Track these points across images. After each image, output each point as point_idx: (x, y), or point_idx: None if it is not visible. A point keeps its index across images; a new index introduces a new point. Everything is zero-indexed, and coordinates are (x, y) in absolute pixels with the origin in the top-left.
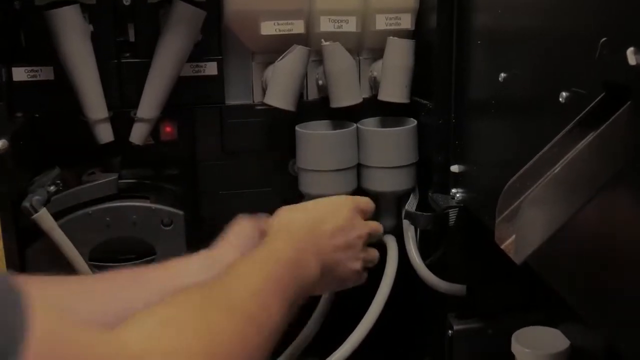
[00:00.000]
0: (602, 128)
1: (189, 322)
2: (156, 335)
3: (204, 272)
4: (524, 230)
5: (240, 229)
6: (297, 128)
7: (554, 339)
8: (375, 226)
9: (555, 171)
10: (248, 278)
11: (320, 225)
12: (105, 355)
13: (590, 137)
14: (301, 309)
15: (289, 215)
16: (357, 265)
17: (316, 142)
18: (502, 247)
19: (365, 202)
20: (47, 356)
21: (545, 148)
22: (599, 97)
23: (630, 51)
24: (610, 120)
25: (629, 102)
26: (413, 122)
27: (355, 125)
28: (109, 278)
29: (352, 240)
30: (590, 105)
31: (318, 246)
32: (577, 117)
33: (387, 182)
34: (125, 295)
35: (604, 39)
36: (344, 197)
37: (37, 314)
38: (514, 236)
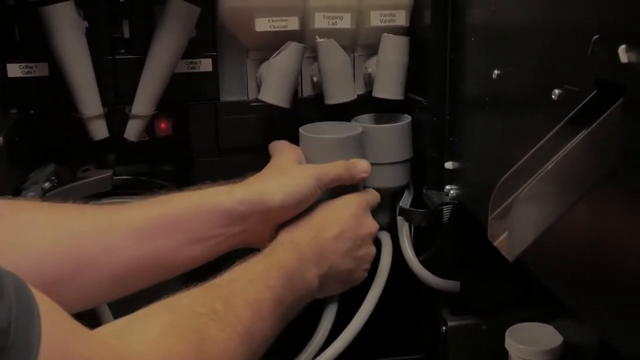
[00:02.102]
0: (594, 125)
1: (188, 333)
2: (157, 343)
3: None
4: (517, 227)
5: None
6: (301, 131)
7: (547, 335)
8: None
9: (548, 168)
10: (248, 289)
11: (322, 231)
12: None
13: (582, 135)
14: (306, 317)
15: (292, 222)
16: (365, 264)
17: (325, 146)
18: (495, 244)
19: (373, 196)
20: None
21: (538, 145)
22: (591, 95)
23: (621, 49)
24: (602, 117)
25: (621, 100)
26: (407, 119)
27: (361, 128)
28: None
29: (361, 240)
30: (582, 103)
31: (320, 255)
32: (569, 115)
33: (381, 178)
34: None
35: (596, 37)
36: (346, 197)
37: (45, 323)
38: (506, 233)
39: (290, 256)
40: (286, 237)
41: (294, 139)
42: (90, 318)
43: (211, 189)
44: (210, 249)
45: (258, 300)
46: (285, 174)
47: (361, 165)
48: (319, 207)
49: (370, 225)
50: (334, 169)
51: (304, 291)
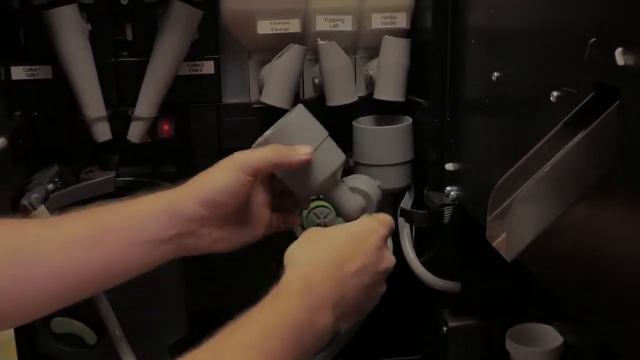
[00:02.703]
0: (591, 127)
1: None
2: None
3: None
4: (515, 228)
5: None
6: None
7: (547, 335)
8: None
9: (546, 170)
10: None
11: (343, 265)
12: None
13: (579, 137)
14: None
15: (312, 250)
16: (375, 301)
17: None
18: (494, 244)
19: (391, 224)
20: None
21: (536, 147)
22: (589, 97)
23: (618, 52)
24: (599, 119)
25: (617, 102)
26: (408, 120)
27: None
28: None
29: (378, 276)
30: (580, 105)
31: (339, 295)
32: (567, 117)
33: (382, 179)
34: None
35: (593, 40)
36: (373, 222)
37: None
38: (504, 234)
39: (298, 304)
40: (297, 275)
41: None
42: (91, 313)
43: (145, 197)
44: (152, 255)
45: None
46: (210, 173)
47: (300, 147)
48: (338, 233)
49: (389, 259)
50: (260, 152)
51: (314, 341)
